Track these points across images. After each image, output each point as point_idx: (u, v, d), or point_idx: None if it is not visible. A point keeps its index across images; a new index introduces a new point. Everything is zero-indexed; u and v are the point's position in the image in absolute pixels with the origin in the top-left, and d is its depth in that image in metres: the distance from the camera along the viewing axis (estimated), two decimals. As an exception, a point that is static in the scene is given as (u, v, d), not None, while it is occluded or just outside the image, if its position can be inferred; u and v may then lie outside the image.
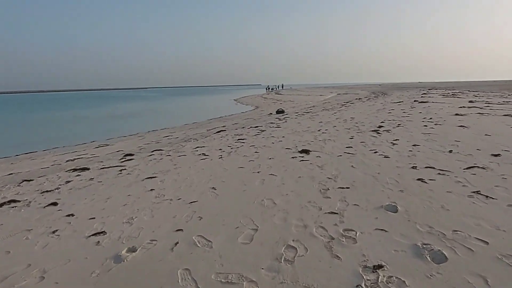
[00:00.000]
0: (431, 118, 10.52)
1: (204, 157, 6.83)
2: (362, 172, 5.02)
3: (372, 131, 8.88)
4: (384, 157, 5.89)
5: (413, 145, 6.72)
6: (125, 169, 6.19)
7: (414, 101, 18.42)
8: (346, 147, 6.96)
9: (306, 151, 6.66)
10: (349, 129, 9.55)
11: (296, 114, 16.03)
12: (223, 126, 14.39)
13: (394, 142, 7.21)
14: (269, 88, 75.16)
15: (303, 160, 5.98)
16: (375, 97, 30.31)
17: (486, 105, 14.34)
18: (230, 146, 7.96)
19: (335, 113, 14.96)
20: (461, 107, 13.82)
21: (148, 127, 19.43)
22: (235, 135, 9.88)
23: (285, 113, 18.64)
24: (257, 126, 11.52)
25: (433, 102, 16.96)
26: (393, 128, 9.18)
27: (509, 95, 23.38)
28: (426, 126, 9.14)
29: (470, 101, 16.72)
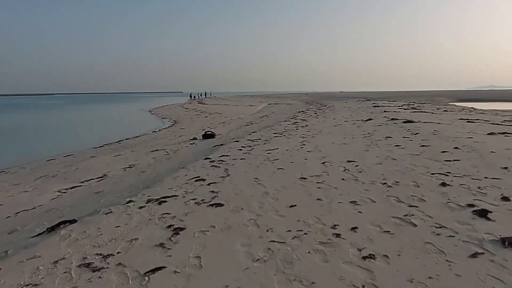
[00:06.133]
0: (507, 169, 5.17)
1: None
2: None
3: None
4: None
5: None
6: None
7: (392, 119, 13.60)
8: None
9: None
10: (398, 222, 3.53)
11: (238, 145, 9.65)
12: (100, 179, 7.27)
13: None
14: (192, 96, 67.94)
15: None
16: (318, 109, 25.73)
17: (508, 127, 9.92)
18: None
19: (302, 144, 8.99)
20: (491, 133, 9.08)
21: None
22: (93, 258, 3.09)
23: (216, 140, 12.14)
24: (165, 200, 4.79)
25: (424, 122, 12.22)
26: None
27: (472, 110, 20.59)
28: None
29: (469, 121, 12.46)
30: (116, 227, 3.86)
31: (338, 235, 3.28)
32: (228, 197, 4.75)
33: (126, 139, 16.50)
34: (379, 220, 3.61)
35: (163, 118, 29.26)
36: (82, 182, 7.16)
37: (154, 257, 3.06)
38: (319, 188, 4.94)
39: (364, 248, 3.01)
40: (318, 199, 4.43)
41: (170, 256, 3.06)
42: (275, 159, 7.18)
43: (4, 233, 4.41)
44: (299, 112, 24.34)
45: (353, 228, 3.42)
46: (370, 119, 14.51)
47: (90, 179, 7.42)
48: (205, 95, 73.89)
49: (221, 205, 4.41)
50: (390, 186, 4.81)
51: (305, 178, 5.50)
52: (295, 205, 4.23)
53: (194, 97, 68.12)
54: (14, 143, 17.87)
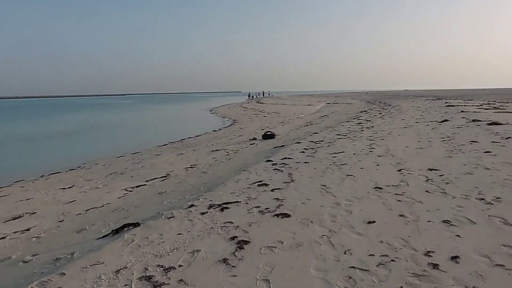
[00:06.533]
0: None
1: None
2: None
3: None
4: None
5: None
6: None
7: (473, 120, 12.02)
8: None
9: None
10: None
11: (300, 146, 9.19)
12: (164, 179, 7.33)
13: None
14: (250, 96, 68.88)
15: None
16: (382, 109, 24.10)
17: None
18: None
19: (371, 147, 8.23)
20: None
21: (50, 162, 12.33)
22: None
23: (276, 141, 11.80)
24: (227, 206, 4.53)
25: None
26: None
27: None
28: None
29: None
30: (178, 234, 3.67)
31: (435, 266, 2.67)
32: (295, 206, 4.33)
33: (188, 137, 16.95)
34: (486, 249, 2.91)
35: (223, 117, 29.83)
36: (147, 181, 7.29)
37: (218, 275, 2.76)
38: (399, 201, 4.29)
39: (474, 287, 2.38)
40: (401, 215, 3.81)
41: (235, 276, 2.73)
42: (342, 164, 6.60)
43: (73, 232, 4.51)
44: (361, 112, 23.06)
45: (454, 258, 2.78)
46: (446, 120, 13.03)
47: (154, 178, 7.53)
48: (263, 95, 74.32)
49: (287, 215, 4.01)
50: (490, 203, 3.99)
51: (380, 188, 4.87)
52: (374, 221, 3.66)
53: (253, 96, 68.91)
54: (92, 140, 19.43)
